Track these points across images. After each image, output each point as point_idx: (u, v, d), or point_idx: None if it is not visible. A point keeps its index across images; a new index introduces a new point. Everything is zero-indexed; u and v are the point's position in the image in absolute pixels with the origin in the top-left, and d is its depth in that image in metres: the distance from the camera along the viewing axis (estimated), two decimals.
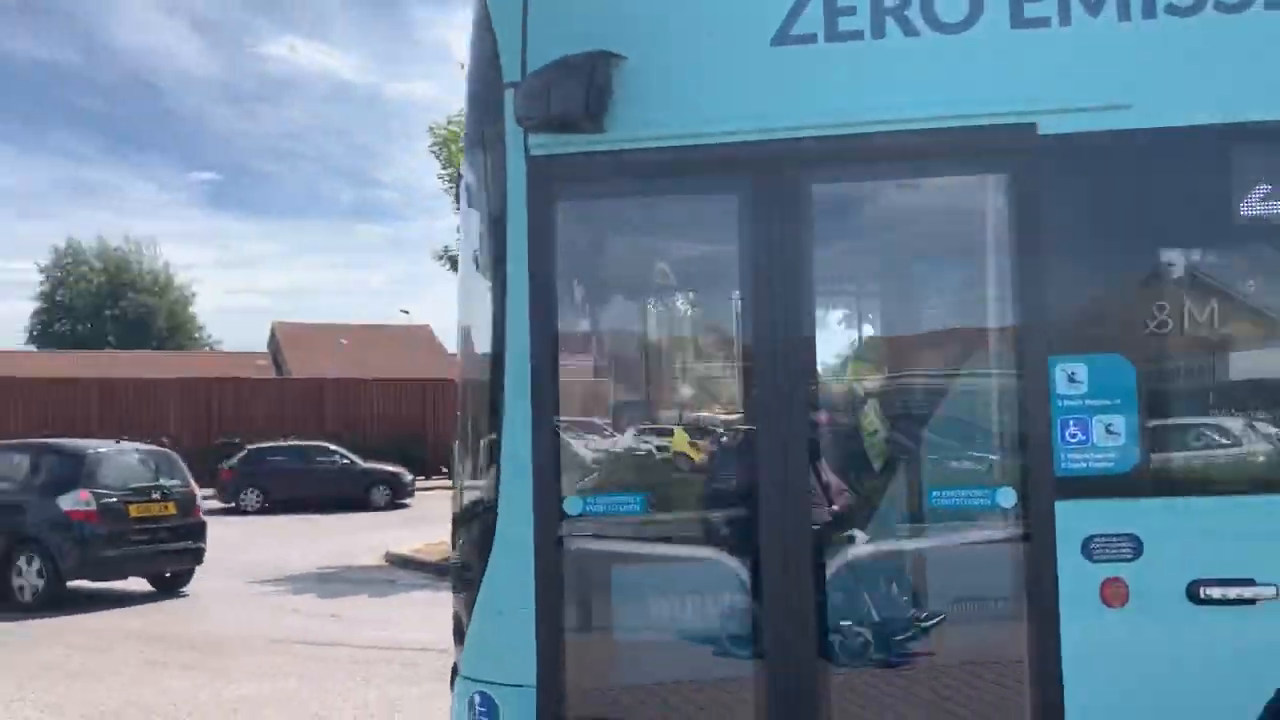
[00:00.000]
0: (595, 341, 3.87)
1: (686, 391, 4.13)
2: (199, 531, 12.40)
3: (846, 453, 3.55)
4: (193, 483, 12.84)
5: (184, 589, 12.29)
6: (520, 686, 3.33)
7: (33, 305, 57.50)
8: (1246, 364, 3.32)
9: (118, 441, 13.17)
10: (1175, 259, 3.26)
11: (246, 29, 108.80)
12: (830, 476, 3.41)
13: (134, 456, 12.55)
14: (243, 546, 15.74)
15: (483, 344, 3.52)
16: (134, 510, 11.61)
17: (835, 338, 3.51)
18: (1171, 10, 3.17)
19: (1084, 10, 3.20)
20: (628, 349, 4.25)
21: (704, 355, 4.12)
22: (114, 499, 11.46)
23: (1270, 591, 3.00)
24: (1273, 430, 3.19)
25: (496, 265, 3.45)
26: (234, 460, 24.17)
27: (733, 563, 3.38)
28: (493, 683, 3.41)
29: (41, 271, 57.47)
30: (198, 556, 12.37)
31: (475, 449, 3.57)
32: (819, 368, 3.42)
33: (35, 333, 56.60)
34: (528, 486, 3.33)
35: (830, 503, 3.36)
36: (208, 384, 31.04)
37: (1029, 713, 3.12)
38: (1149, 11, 3.18)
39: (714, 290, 3.83)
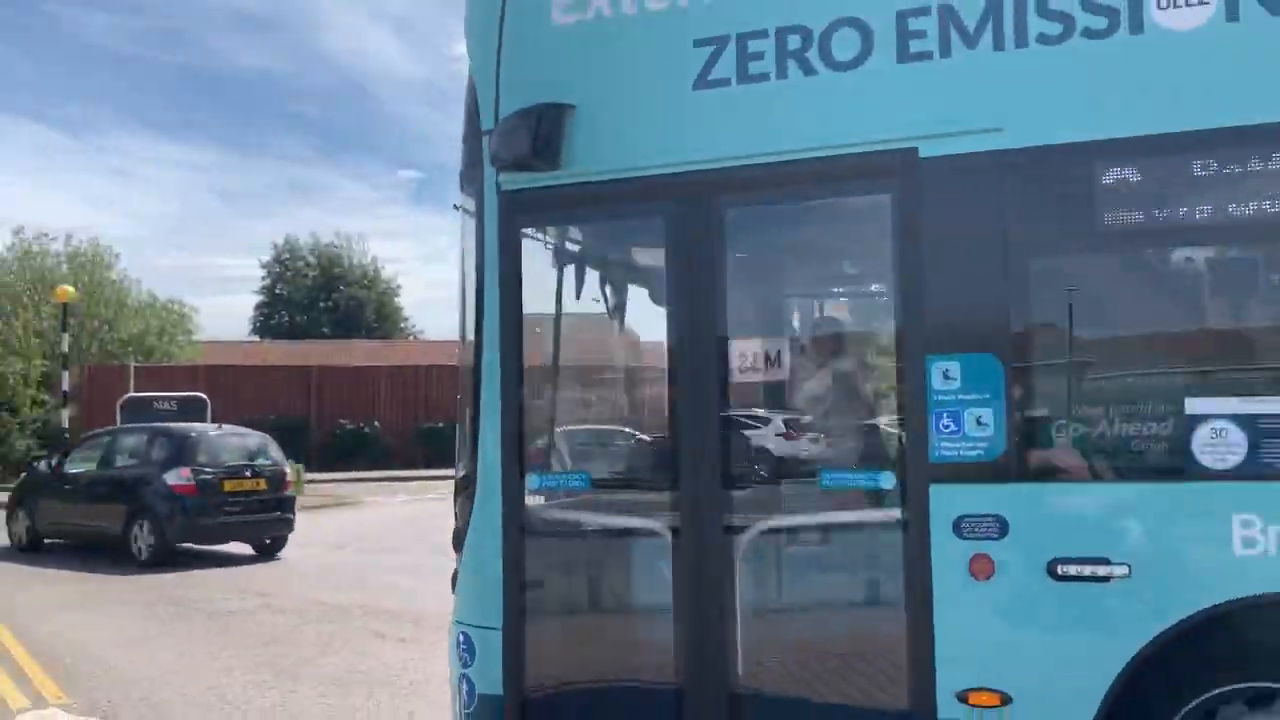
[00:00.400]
0: (557, 347, 4.49)
1: (627, 384, 4.67)
2: (288, 504, 13.96)
3: (754, 440, 4.01)
4: (284, 462, 14.41)
5: (280, 553, 13.74)
6: (491, 629, 4.02)
7: (256, 299, 62.59)
8: (1105, 364, 3.58)
9: (219, 426, 14.97)
10: (1043, 267, 3.57)
11: (441, 31, 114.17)
12: (740, 460, 3.91)
13: (232, 439, 14.31)
14: None
15: (469, 347, 4.21)
16: (228, 485, 13.30)
17: (750, 339, 3.93)
18: (1042, 39, 3.47)
19: (962, 43, 3.55)
20: (586, 355, 4.85)
21: (638, 357, 4.65)
22: (210, 475, 13.16)
23: (1123, 570, 3.29)
24: (1126, 424, 3.44)
25: (477, 281, 4.15)
26: None
27: (659, 534, 3.96)
28: (472, 625, 4.11)
29: (263, 267, 61.75)
30: (288, 526, 13.92)
31: (463, 434, 4.26)
32: (733, 365, 3.90)
33: (258, 324, 61.36)
34: (497, 467, 4.02)
35: (737, 483, 3.85)
36: (415, 370, 32.97)
37: (905, 666, 3.53)
38: (1021, 41, 3.50)
39: (649, 302, 4.34)
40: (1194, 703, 3.30)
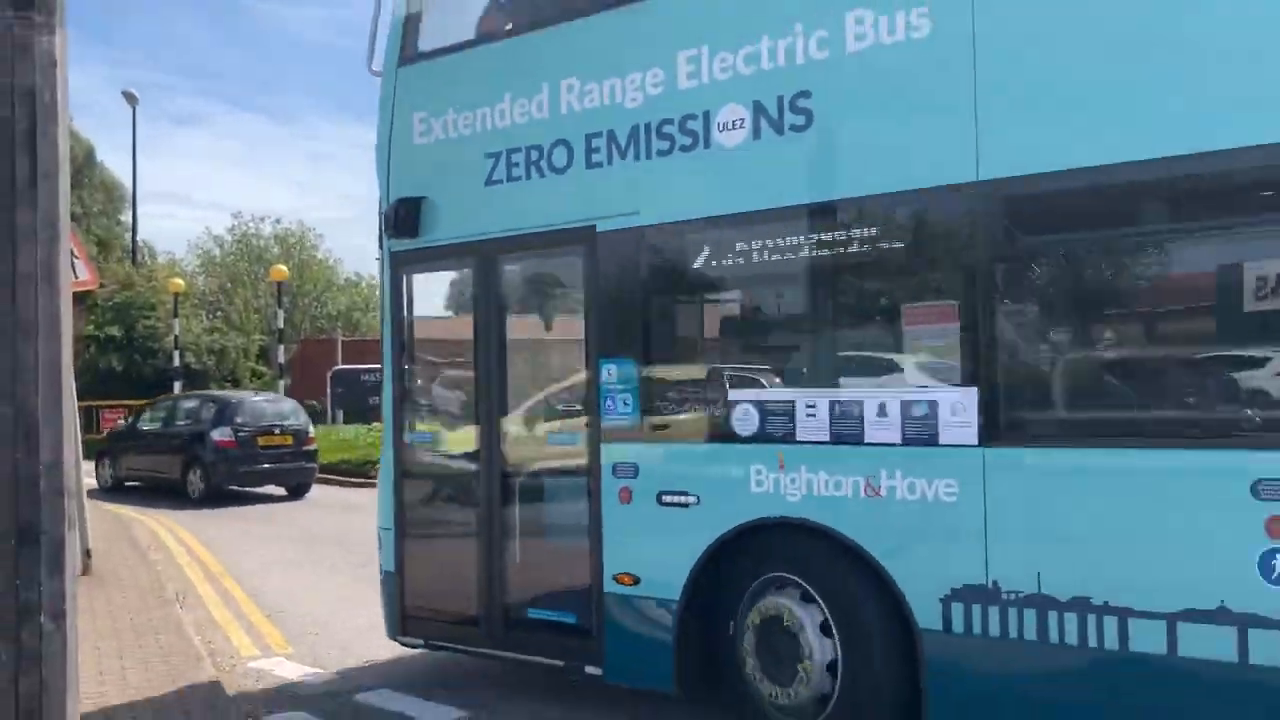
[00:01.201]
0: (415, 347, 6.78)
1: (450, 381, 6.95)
2: (311, 455, 17.64)
3: (526, 420, 6.21)
4: (309, 422, 18.09)
5: (305, 495, 17.29)
6: (387, 529, 6.37)
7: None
8: (691, 367, 5.54)
9: (255, 392, 18.91)
10: (664, 300, 5.56)
11: None
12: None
13: (266, 404, 18.05)
14: None
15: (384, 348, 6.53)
16: (261, 440, 16.86)
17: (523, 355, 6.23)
18: (660, 153, 5.32)
19: (620, 154, 5.46)
20: (445, 353, 6.97)
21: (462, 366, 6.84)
22: (247, 432, 16.67)
23: (694, 499, 5.17)
24: (702, 406, 5.30)
25: (381, 306, 6.56)
26: None
27: (473, 478, 6.16)
28: (381, 527, 6.46)
29: None
30: (310, 474, 17.67)
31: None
32: (508, 375, 6.17)
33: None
34: (390, 427, 6.41)
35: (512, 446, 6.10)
36: None
37: (588, 558, 5.65)
38: (649, 154, 5.35)
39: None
40: (754, 585, 5.08)
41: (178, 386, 26.66)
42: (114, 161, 47.73)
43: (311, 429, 18.19)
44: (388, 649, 6.95)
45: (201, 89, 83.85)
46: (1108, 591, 4.09)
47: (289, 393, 28.15)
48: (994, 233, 4.47)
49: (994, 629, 4.32)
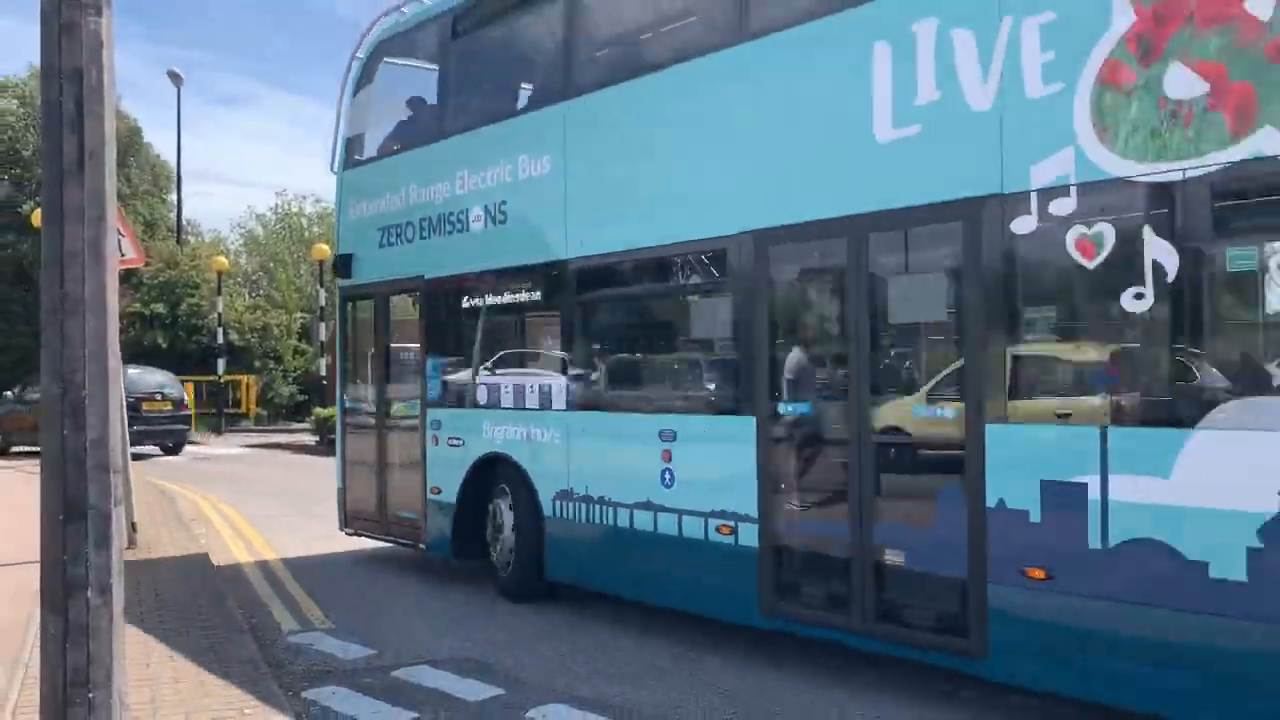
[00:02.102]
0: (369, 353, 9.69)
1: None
2: (185, 419, 21.57)
3: (395, 395, 9.36)
4: (183, 391, 21.99)
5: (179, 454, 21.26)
6: (340, 462, 9.80)
7: None
8: (470, 361, 8.33)
9: (140, 366, 21.31)
10: (453, 322, 8.48)
11: None
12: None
13: (148, 376, 21.09)
14: None
15: (336, 347, 10.67)
16: (145, 406, 19.77)
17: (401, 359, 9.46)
18: (445, 232, 8.38)
19: (434, 232, 8.47)
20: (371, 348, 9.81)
21: (401, 364, 9.46)
22: (132, 399, 17.40)
23: (460, 440, 8.19)
24: (467, 386, 8.26)
25: (337, 327, 10.38)
26: None
27: (371, 431, 9.41)
28: (337, 462, 9.87)
29: None
30: (184, 434, 21.53)
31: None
32: (389, 371, 9.35)
33: None
34: (341, 400, 9.97)
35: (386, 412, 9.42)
36: None
37: (420, 480, 8.57)
38: (444, 233, 8.34)
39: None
40: (491, 492, 8.02)
41: (221, 364, 27.06)
42: (160, 140, 48.28)
43: (186, 397, 21.91)
44: (427, 625, 7.02)
45: (247, 69, 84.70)
46: (608, 492, 6.94)
47: (330, 369, 28.55)
48: (574, 287, 7.26)
49: (571, 514, 7.22)
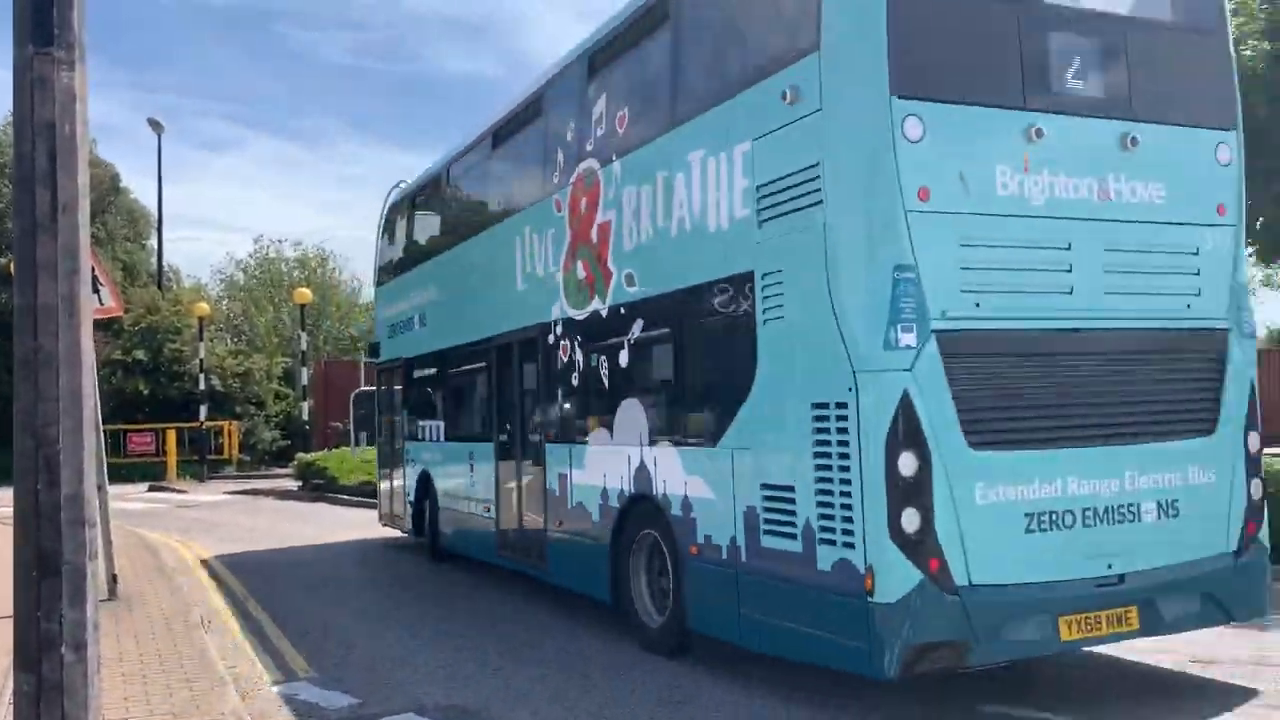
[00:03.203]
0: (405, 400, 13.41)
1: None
2: None
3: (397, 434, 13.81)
4: None
5: None
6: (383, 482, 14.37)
7: None
8: (425, 416, 12.67)
9: None
10: (420, 388, 12.87)
11: None
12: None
13: None
14: None
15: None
16: None
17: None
18: (407, 328, 13.04)
19: (412, 326, 12.81)
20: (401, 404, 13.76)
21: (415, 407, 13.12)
22: None
23: (415, 461, 12.71)
24: (421, 429, 12.64)
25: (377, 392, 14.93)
26: None
27: (395, 461, 13.73)
28: (380, 481, 14.69)
29: None
30: None
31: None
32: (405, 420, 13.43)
33: None
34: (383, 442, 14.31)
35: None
36: None
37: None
38: (412, 329, 12.87)
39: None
40: (428, 494, 12.36)
41: (203, 410, 26.90)
42: (142, 186, 48.25)
43: None
44: (413, 671, 6.94)
45: (231, 114, 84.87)
46: (463, 494, 11.09)
47: (312, 413, 28.47)
48: (444, 363, 11.78)
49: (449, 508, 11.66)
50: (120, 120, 74.02)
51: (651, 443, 7.30)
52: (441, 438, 11.60)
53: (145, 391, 28.45)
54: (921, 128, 5.18)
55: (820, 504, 5.41)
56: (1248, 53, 11.40)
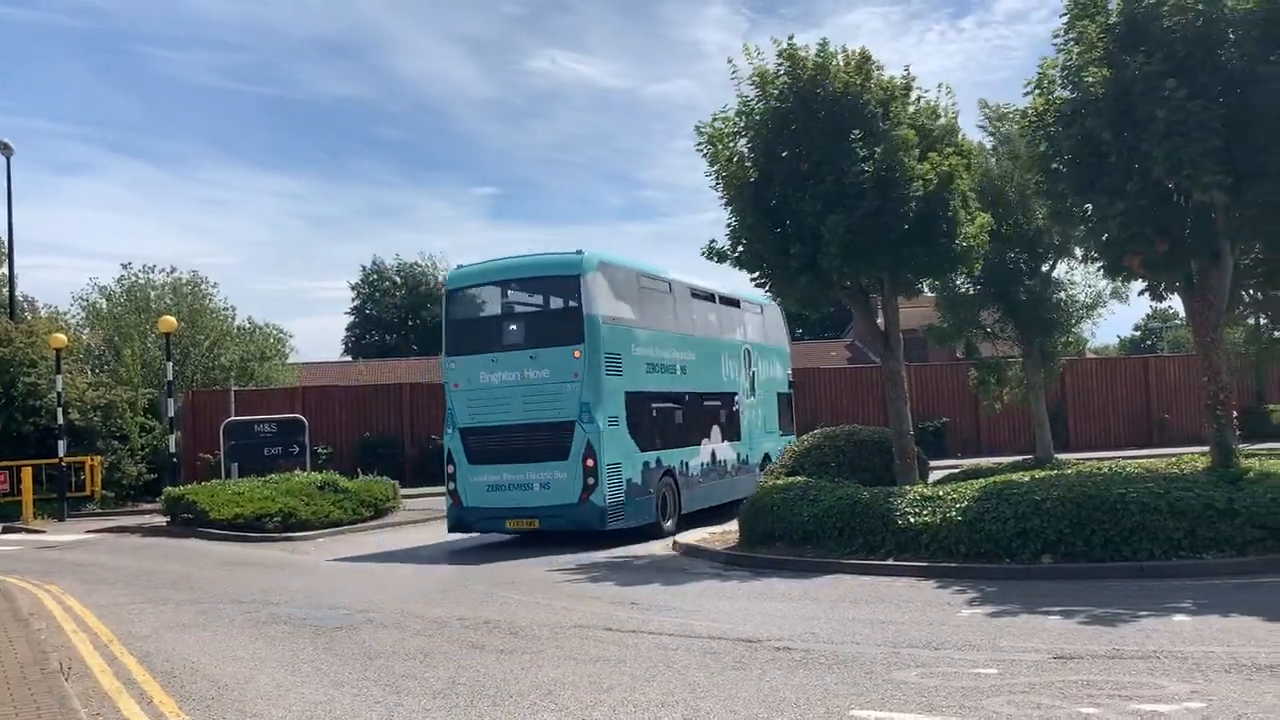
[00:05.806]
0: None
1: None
2: None
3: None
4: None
5: None
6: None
7: (347, 320, 62.92)
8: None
9: None
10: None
11: (512, 48, 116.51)
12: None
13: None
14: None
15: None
16: None
17: None
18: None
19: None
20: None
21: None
22: None
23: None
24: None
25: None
26: None
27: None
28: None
29: (353, 289, 62.66)
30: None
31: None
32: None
33: (349, 344, 61.90)
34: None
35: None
36: None
37: None
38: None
39: None
40: None
41: (62, 445, 25.55)
42: None
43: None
44: (289, 712, 6.75)
45: (87, 135, 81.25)
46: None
47: (180, 445, 27.15)
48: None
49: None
50: None
51: None
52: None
53: None
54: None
55: None
56: (1089, 80, 12.06)
